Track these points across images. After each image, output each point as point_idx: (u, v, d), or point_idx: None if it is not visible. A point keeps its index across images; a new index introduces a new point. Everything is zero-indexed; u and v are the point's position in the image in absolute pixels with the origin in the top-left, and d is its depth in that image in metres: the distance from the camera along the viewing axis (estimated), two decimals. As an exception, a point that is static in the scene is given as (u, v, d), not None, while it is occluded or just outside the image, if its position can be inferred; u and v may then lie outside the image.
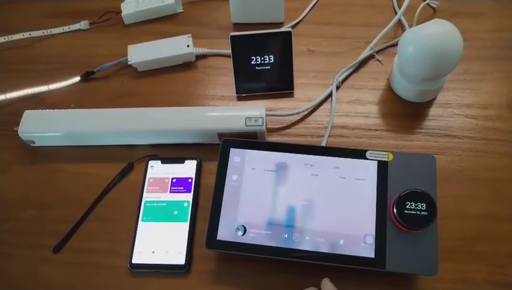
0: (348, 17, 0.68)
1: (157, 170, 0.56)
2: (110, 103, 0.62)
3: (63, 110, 0.59)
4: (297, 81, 0.61)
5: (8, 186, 0.58)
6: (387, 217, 0.47)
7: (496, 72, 0.61)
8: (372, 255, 0.46)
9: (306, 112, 0.60)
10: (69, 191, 0.57)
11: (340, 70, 0.62)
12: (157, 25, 0.70)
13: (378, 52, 0.64)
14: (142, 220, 0.53)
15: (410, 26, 0.65)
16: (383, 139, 0.57)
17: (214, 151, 0.52)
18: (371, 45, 0.63)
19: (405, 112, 0.59)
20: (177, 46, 0.64)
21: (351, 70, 0.63)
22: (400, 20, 0.65)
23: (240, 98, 0.62)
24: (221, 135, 0.55)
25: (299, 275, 0.48)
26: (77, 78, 0.65)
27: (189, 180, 0.55)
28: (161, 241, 0.52)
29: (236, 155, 0.51)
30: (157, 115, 0.57)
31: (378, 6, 0.69)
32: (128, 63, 0.63)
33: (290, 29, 0.58)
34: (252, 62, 0.60)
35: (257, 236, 0.47)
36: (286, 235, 0.47)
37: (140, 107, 0.58)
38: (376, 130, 0.58)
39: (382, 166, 0.49)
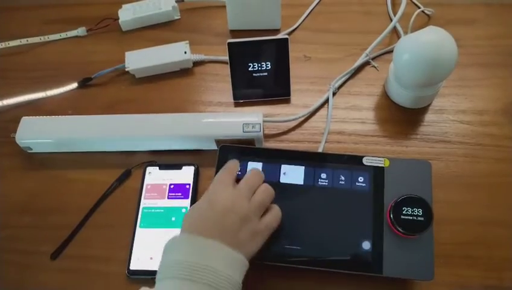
0: (344, 24, 0.69)
1: (154, 176, 0.56)
2: (108, 110, 0.62)
3: (60, 116, 0.59)
4: (294, 87, 0.62)
5: (5, 193, 0.58)
6: (384, 222, 0.47)
7: (490, 79, 0.62)
8: (369, 260, 0.46)
9: (303, 118, 0.60)
10: (67, 197, 0.57)
11: (336, 76, 0.62)
12: (154, 31, 0.70)
13: (373, 58, 0.65)
14: (140, 226, 0.53)
15: (406, 33, 0.66)
16: (380, 145, 0.58)
17: (212, 157, 0.53)
18: (367, 51, 0.64)
19: (401, 118, 0.60)
20: (174, 52, 0.64)
21: (347, 76, 0.63)
22: (395, 27, 0.66)
23: (237, 105, 0.63)
24: (218, 141, 0.56)
25: (297, 281, 0.49)
26: (74, 85, 0.65)
27: (187, 186, 0.55)
28: (159, 248, 0.51)
29: (233, 161, 0.51)
30: (155, 121, 0.57)
31: (373, 13, 0.69)
32: (126, 69, 0.63)
33: (286, 36, 0.59)
34: (249, 69, 0.60)
35: (255, 242, 0.47)
36: (283, 240, 0.47)
37: (137, 114, 0.58)
38: (372, 136, 0.59)
39: (379, 172, 0.49)
